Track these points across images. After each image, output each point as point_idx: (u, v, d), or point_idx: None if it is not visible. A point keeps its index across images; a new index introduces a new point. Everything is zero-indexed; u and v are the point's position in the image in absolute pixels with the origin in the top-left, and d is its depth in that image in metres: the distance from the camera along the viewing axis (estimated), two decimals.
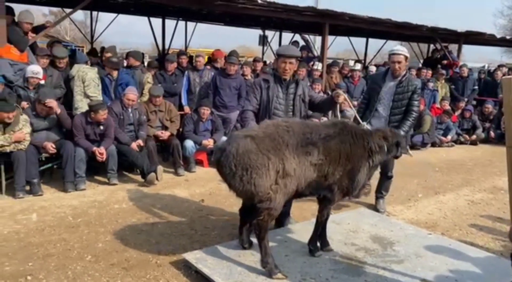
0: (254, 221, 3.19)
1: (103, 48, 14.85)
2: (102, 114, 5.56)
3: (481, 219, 4.99)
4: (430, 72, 10.93)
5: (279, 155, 3.06)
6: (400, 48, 4.86)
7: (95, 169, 5.94)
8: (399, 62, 4.69)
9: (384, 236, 4.03)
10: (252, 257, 3.43)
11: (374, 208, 5.04)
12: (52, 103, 5.39)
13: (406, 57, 4.75)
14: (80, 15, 24.14)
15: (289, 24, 12.91)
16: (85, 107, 5.87)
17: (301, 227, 4.11)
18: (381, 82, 4.84)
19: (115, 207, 4.89)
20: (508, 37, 13.82)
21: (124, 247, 3.84)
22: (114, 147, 5.72)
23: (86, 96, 6.07)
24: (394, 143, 3.53)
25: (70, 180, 5.36)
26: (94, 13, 14.95)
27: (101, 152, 5.51)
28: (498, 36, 13.09)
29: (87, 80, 6.07)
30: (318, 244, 3.61)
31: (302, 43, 13.12)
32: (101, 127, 5.64)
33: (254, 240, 3.72)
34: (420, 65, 13.18)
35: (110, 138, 5.70)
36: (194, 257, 3.45)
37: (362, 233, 4.09)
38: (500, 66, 12.19)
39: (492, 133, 10.02)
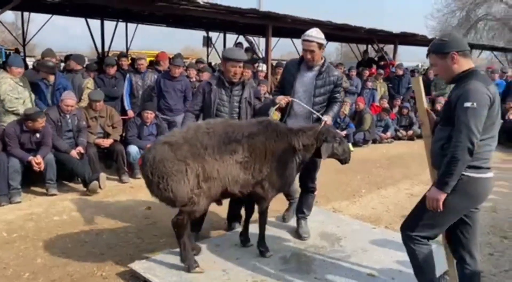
0: (173, 219, 3.25)
1: (17, 50, 14.02)
2: (41, 122, 5.24)
3: None
4: (367, 72, 11.42)
5: (198, 160, 3.10)
6: (313, 33, 3.75)
7: (32, 180, 5.57)
8: (311, 52, 3.75)
9: (332, 232, 4.14)
10: (202, 263, 3.38)
11: (296, 232, 4.11)
12: None
13: (320, 45, 3.76)
14: (10, 16, 22.76)
15: (233, 26, 12.93)
16: (8, 121, 5.39)
17: (250, 230, 4.10)
18: (295, 72, 3.92)
19: (54, 219, 4.62)
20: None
21: (66, 261, 3.64)
22: (52, 155, 5.41)
23: (5, 109, 5.47)
24: (323, 141, 3.45)
25: (3, 193, 5.00)
26: (26, 13, 14.09)
27: (38, 161, 5.20)
28: (430, 37, 13.92)
29: (2, 93, 5.41)
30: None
31: (246, 44, 13.19)
32: (38, 135, 5.32)
33: (203, 245, 3.69)
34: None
35: (47, 147, 5.38)
36: (142, 266, 3.34)
37: (311, 230, 4.16)
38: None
39: None
